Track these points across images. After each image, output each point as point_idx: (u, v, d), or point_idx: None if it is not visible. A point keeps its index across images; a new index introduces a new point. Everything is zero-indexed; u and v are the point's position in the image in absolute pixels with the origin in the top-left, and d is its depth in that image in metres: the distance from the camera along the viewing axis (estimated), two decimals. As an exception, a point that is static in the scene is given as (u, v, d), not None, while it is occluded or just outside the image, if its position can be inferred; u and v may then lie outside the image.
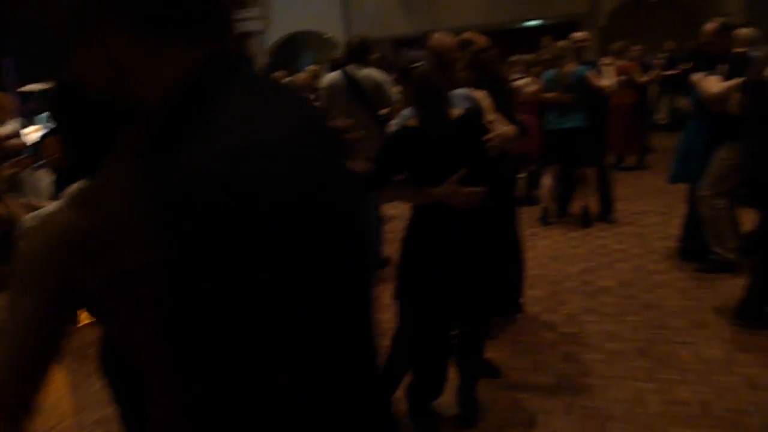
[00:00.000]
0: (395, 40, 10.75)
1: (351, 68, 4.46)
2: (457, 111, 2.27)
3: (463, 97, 2.53)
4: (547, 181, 5.61)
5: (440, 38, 2.93)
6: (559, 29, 8.07)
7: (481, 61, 3.22)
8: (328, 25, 11.83)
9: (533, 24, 11.53)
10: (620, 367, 3.01)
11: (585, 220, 5.44)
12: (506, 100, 3.13)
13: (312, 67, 6.41)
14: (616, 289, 4.01)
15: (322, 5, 11.81)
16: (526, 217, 5.90)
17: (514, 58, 6.82)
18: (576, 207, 5.62)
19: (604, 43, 8.53)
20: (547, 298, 3.96)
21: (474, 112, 2.34)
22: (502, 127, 2.60)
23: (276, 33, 12.28)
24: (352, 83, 4.41)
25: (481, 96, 2.72)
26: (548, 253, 4.90)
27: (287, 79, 7.22)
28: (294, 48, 13.36)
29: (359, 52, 4.53)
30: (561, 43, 5.36)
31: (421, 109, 2.21)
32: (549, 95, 5.21)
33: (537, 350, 3.28)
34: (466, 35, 3.29)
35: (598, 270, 4.40)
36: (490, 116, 2.61)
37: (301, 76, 6.36)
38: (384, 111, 4.49)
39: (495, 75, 3.26)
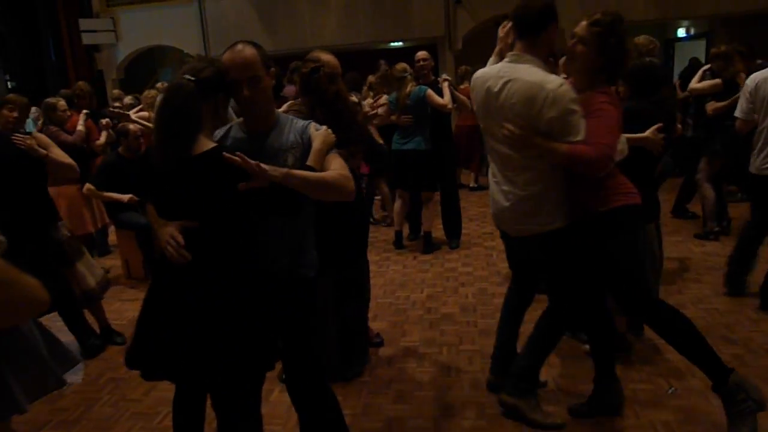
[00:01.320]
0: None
1: None
2: (205, 145, 1.87)
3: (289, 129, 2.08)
4: (397, 204, 5.56)
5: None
6: (419, 50, 8.13)
7: (312, 81, 2.98)
8: (185, 41, 11.18)
9: (396, 45, 11.70)
10: (453, 405, 2.91)
11: (427, 245, 5.43)
12: (343, 123, 2.87)
13: (161, 85, 5.93)
14: (457, 316, 3.98)
15: (177, 19, 11.15)
16: (382, 240, 5.84)
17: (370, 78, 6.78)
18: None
19: (458, 67, 8.76)
20: (389, 329, 3.84)
21: (220, 149, 1.86)
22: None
23: (128, 47, 11.44)
24: None
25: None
26: (397, 279, 4.81)
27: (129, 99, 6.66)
28: (151, 64, 12.54)
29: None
30: (400, 65, 5.32)
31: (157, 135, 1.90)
32: (392, 118, 5.13)
33: (371, 390, 3.11)
34: (312, 54, 3.03)
35: (443, 296, 4.36)
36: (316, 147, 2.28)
37: (151, 94, 5.87)
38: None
39: (325, 97, 2.98)
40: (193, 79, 1.87)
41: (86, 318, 3.81)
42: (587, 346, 3.08)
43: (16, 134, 3.33)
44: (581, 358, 3.21)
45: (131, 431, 2.93)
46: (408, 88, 5.10)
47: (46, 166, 3.41)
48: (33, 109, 9.66)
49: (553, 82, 2.27)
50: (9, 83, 11.51)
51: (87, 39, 10.75)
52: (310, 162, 1.90)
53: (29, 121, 9.45)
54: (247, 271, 1.93)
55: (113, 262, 5.66)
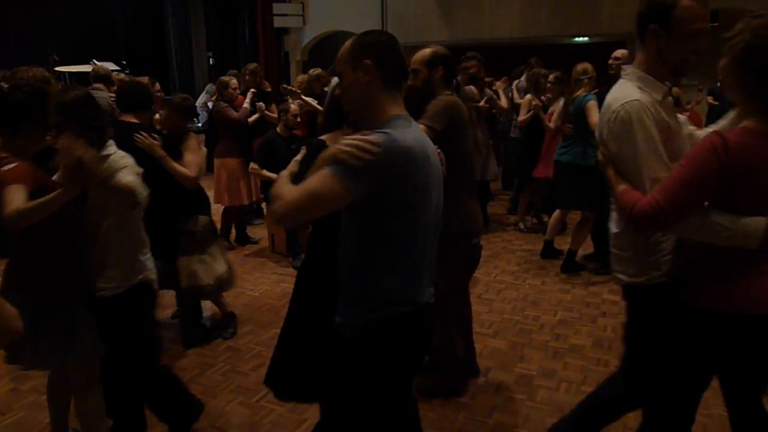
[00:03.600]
0: (432, 48, 10.33)
1: None
2: None
3: None
4: (555, 213, 5.08)
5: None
6: (605, 48, 7.48)
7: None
8: (364, 27, 11.48)
9: (578, 41, 10.88)
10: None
11: (568, 264, 4.89)
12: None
13: (314, 71, 6.09)
14: (588, 350, 3.51)
15: (360, 6, 11.51)
16: (526, 249, 5.44)
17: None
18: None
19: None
20: (508, 351, 3.51)
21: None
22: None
23: (313, 31, 12.08)
24: None
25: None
26: (531, 295, 4.41)
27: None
28: (334, 48, 13.14)
29: None
30: (581, 66, 4.81)
31: None
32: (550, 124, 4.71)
33: (469, 415, 2.84)
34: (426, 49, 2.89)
35: (577, 323, 3.89)
36: None
37: (300, 78, 6.07)
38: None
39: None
40: None
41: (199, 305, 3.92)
42: None
43: (141, 132, 3.13)
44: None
45: (231, 403, 3.01)
46: (578, 93, 4.63)
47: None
48: (209, 85, 10.60)
49: (621, 99, 1.77)
50: (210, 59, 12.85)
51: (278, 22, 11.53)
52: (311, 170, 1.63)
53: (204, 94, 10.49)
54: None
55: (261, 234, 5.98)
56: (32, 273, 2.15)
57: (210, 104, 6.51)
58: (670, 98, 1.88)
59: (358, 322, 1.65)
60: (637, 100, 1.76)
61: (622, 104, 1.77)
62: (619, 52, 4.78)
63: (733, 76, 1.65)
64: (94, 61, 10.51)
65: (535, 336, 3.72)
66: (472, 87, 4.96)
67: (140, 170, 2.30)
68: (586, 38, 10.68)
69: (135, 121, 3.21)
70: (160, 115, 3.54)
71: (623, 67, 1.92)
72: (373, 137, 1.50)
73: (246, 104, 5.50)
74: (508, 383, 3.14)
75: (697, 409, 1.91)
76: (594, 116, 4.36)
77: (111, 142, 2.31)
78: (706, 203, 1.68)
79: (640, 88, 1.80)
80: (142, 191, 2.19)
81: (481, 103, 5.22)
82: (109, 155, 2.25)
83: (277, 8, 11.42)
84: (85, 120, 2.21)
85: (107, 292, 2.27)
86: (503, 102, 6.07)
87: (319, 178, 1.54)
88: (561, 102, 5.15)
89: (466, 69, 5.00)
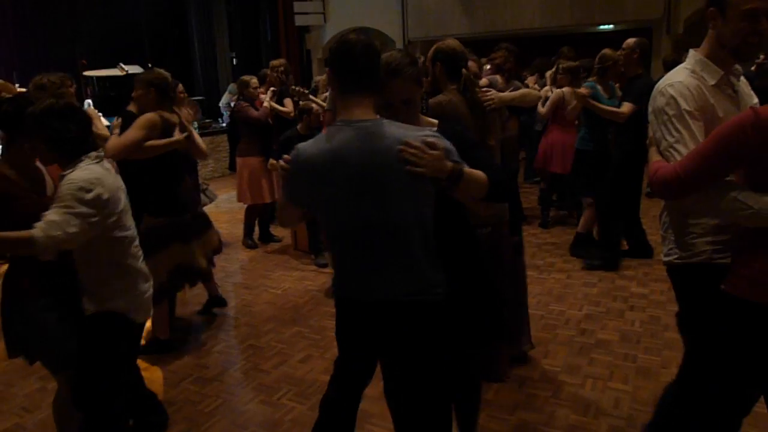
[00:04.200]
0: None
1: None
2: None
3: None
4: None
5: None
6: (631, 35, 7.32)
7: None
8: (385, 23, 11.46)
9: (604, 29, 10.64)
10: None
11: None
12: None
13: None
14: (615, 345, 3.42)
15: (380, 2, 11.45)
16: (550, 243, 5.35)
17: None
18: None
19: (679, 53, 7.64)
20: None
21: None
22: None
23: (334, 28, 12.07)
24: None
25: None
26: (556, 289, 4.32)
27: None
28: (355, 44, 13.10)
29: None
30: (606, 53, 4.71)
31: None
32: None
33: (491, 413, 2.79)
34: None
35: (604, 318, 3.80)
36: None
37: (319, 78, 6.08)
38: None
39: None
40: None
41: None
42: None
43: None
44: None
45: (252, 402, 3.02)
46: (590, 79, 4.63)
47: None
48: (231, 85, 10.66)
49: (666, 81, 1.83)
50: (234, 59, 12.94)
51: (299, 20, 11.54)
52: None
53: (226, 94, 10.58)
54: None
55: (284, 233, 6.00)
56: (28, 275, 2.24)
57: (233, 104, 6.55)
58: (737, 82, 1.88)
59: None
60: (679, 81, 1.78)
61: (664, 86, 1.81)
62: (626, 42, 4.60)
63: None
64: (122, 64, 10.69)
65: (560, 331, 3.64)
66: (497, 77, 4.88)
67: (106, 190, 2.09)
68: (611, 26, 10.45)
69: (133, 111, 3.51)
70: (180, 115, 3.57)
71: (691, 51, 1.89)
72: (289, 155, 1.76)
73: (266, 103, 5.51)
74: (532, 379, 3.08)
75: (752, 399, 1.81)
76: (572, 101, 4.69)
77: (89, 156, 2.13)
78: (732, 179, 1.63)
79: (692, 71, 1.81)
80: (53, 238, 1.93)
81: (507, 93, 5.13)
82: (65, 174, 2.08)
83: (298, 6, 11.43)
84: (53, 132, 2.06)
85: (85, 311, 2.24)
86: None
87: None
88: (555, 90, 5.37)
89: (493, 59, 4.95)
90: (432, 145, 1.64)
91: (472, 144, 1.91)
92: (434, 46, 2.71)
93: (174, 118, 3.44)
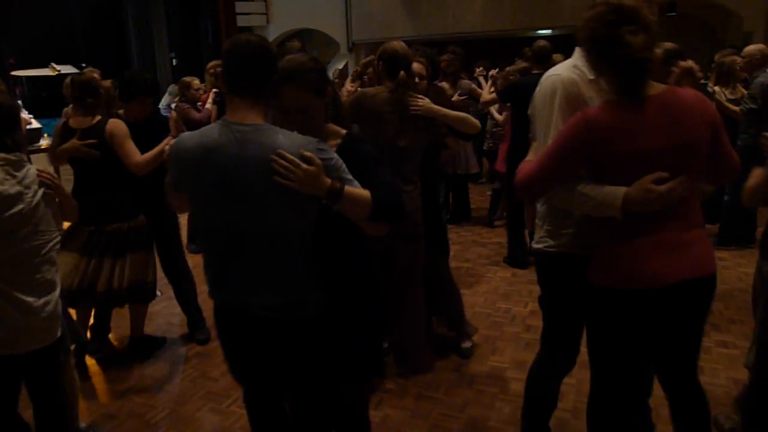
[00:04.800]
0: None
1: None
2: None
3: None
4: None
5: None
6: (569, 40, 7.52)
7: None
8: (329, 25, 11.46)
9: (543, 33, 10.99)
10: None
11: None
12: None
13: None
14: (559, 340, 3.53)
15: (324, 3, 11.43)
16: (495, 242, 5.47)
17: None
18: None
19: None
20: (481, 344, 3.51)
21: None
22: None
23: (277, 29, 11.96)
24: None
25: None
26: (502, 288, 4.43)
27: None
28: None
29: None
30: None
31: None
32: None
33: (442, 411, 2.83)
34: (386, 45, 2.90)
35: (548, 314, 3.92)
36: None
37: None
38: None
39: None
40: None
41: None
42: None
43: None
44: None
45: (201, 410, 2.95)
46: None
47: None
48: (171, 86, 10.43)
49: (547, 74, 1.93)
50: (173, 60, 12.62)
51: (241, 21, 11.39)
52: None
53: (166, 95, 10.30)
54: None
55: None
56: None
57: (173, 105, 6.39)
58: None
59: None
60: (557, 74, 1.87)
61: (544, 79, 1.91)
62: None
63: (589, 63, 1.76)
64: (53, 64, 10.23)
65: (507, 328, 3.73)
66: (444, 83, 4.91)
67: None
68: (549, 30, 10.79)
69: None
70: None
71: (576, 47, 1.94)
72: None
73: (209, 104, 5.40)
74: (480, 377, 3.14)
75: (644, 379, 1.98)
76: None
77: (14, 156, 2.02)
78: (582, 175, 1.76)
79: (574, 66, 1.87)
80: None
81: (455, 98, 5.10)
82: None
83: (239, 7, 11.28)
84: None
85: None
86: (485, 92, 5.60)
87: None
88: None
89: (438, 63, 4.99)
90: (308, 160, 1.55)
91: (372, 160, 1.83)
92: (382, 46, 2.90)
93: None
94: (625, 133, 1.64)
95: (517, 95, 4.24)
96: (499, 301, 4.17)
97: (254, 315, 1.71)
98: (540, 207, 2.07)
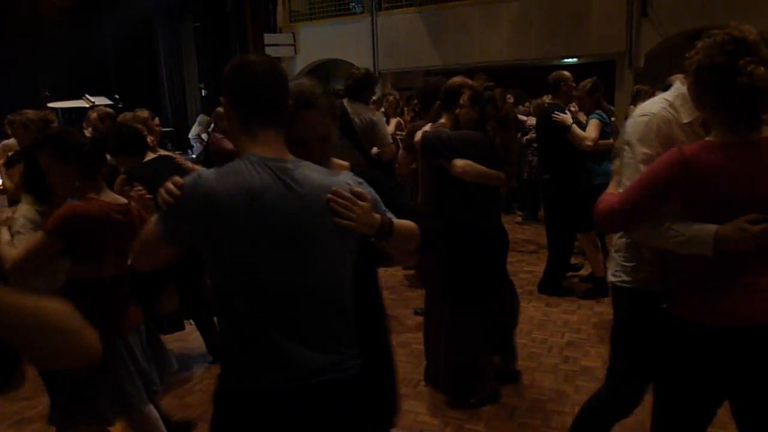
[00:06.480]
0: (425, 73, 10.45)
1: (344, 103, 4.09)
2: None
3: None
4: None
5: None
6: (595, 68, 7.62)
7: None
8: (355, 55, 11.63)
9: (568, 62, 11.03)
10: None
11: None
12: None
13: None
14: (599, 371, 3.45)
15: (351, 34, 11.65)
16: (527, 271, 5.40)
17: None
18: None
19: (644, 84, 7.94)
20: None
21: None
22: None
23: (305, 60, 12.20)
24: (342, 118, 4.03)
25: None
26: (537, 317, 4.36)
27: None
28: (324, 76, 13.25)
29: (356, 87, 4.16)
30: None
31: None
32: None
33: (484, 445, 2.77)
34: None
35: (586, 344, 3.85)
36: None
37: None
38: (376, 150, 4.15)
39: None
40: None
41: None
42: None
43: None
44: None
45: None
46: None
47: None
48: (200, 116, 10.59)
49: (641, 110, 1.87)
50: (203, 91, 12.91)
51: (270, 52, 11.61)
52: None
53: (195, 126, 10.51)
54: None
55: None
56: None
57: (204, 136, 6.51)
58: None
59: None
60: (652, 113, 1.81)
61: (636, 116, 1.85)
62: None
63: (694, 94, 1.68)
64: (87, 96, 10.53)
65: (545, 359, 3.66)
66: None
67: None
68: (575, 59, 10.83)
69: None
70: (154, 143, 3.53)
71: (678, 79, 1.89)
72: (182, 178, 1.35)
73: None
74: (521, 409, 3.08)
75: (707, 423, 1.86)
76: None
77: None
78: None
79: (671, 105, 1.82)
80: None
81: None
82: None
83: (268, 38, 11.55)
84: None
85: None
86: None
87: (151, 222, 1.43)
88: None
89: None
90: (360, 196, 1.38)
91: (390, 187, 1.65)
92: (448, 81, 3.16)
93: None
94: (727, 175, 1.59)
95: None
96: (535, 331, 4.10)
97: (297, 387, 1.36)
98: (617, 240, 2.03)
